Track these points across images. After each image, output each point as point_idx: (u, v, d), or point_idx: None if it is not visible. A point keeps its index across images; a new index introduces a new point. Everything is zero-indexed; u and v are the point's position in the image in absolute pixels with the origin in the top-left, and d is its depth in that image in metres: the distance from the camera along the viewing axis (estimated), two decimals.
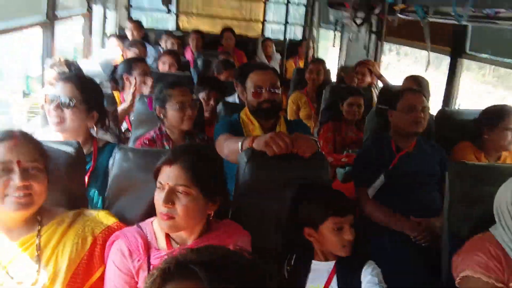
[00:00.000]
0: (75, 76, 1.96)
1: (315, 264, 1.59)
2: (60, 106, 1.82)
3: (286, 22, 5.46)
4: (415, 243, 2.14)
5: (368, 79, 4.19)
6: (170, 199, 1.32)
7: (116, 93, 2.88)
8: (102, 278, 1.38)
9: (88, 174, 1.83)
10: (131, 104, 2.76)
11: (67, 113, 1.83)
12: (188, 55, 5.30)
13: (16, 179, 1.27)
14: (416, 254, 2.09)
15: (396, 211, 2.27)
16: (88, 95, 1.89)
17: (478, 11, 2.60)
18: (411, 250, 2.12)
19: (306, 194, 1.64)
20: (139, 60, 3.01)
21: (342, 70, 4.57)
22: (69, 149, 1.51)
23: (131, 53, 3.89)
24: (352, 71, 4.28)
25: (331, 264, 1.57)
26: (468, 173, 1.80)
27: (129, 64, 2.93)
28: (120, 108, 2.69)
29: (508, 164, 2.46)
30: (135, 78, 2.84)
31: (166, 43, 5.05)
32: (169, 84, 2.29)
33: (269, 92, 2.13)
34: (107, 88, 2.92)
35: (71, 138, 1.82)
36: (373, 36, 4.73)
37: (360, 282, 1.50)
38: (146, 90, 2.85)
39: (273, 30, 7.37)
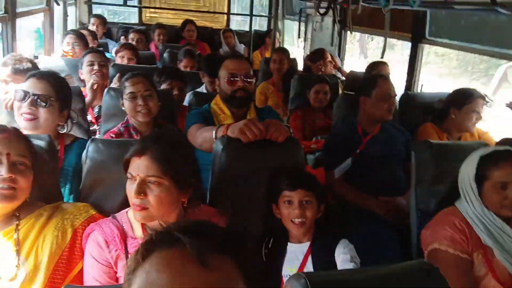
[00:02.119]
0: (48, 74, 1.91)
1: (290, 246, 1.61)
2: (34, 103, 1.79)
3: (251, 14, 5.46)
4: (384, 220, 2.24)
5: (329, 68, 4.27)
6: (141, 190, 1.31)
7: (83, 89, 2.84)
8: (82, 270, 1.38)
9: None
10: (93, 97, 2.77)
11: (42, 111, 1.81)
12: (153, 49, 5.22)
13: (2, 171, 1.28)
14: (386, 231, 2.18)
15: (365, 192, 2.36)
16: (61, 94, 1.88)
17: None
18: (381, 228, 2.20)
19: (278, 175, 1.67)
20: (86, 53, 2.98)
21: (308, 59, 4.63)
22: (41, 143, 1.49)
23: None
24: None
25: (306, 245, 1.60)
26: (433, 152, 1.88)
27: (80, 59, 2.97)
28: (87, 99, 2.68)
29: (470, 142, 2.59)
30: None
31: (128, 39, 4.93)
32: (126, 75, 2.28)
33: (243, 80, 2.15)
34: (71, 84, 2.87)
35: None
36: (337, 25, 4.81)
37: (334, 261, 1.54)
38: (95, 79, 2.84)
39: (239, 22, 7.37)
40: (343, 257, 1.52)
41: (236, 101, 2.18)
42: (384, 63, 3.64)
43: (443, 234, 1.58)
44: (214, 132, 1.83)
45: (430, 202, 1.84)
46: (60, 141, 1.89)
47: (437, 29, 3.37)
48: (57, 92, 1.85)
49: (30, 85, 1.82)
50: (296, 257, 1.58)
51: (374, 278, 0.85)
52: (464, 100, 2.60)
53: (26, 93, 1.79)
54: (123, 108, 2.24)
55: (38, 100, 1.80)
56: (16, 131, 1.38)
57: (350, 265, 1.49)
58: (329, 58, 4.32)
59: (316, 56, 4.36)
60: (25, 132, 1.78)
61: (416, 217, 1.89)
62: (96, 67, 2.86)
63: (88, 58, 2.91)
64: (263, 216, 1.68)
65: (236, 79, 2.15)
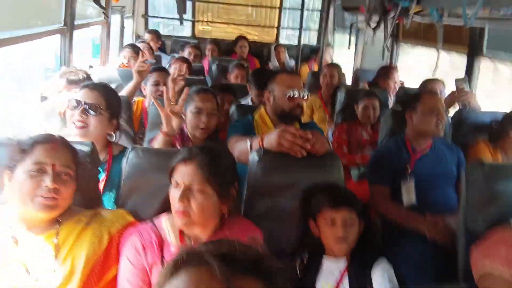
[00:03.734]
0: (100, 85, 2.02)
1: (326, 261, 1.57)
2: (85, 112, 1.89)
3: (301, 27, 5.47)
4: (430, 241, 2.11)
5: (391, 83, 4.12)
6: (185, 196, 1.35)
7: (139, 100, 2.92)
8: (116, 276, 1.40)
9: (104, 181, 1.86)
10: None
11: (92, 119, 1.90)
12: (205, 64, 5.34)
13: (47, 181, 1.31)
14: (432, 252, 2.06)
15: (412, 211, 2.24)
16: (111, 104, 1.96)
17: (495, 10, 2.56)
18: (426, 249, 2.08)
19: (314, 190, 1.63)
20: (154, 70, 2.99)
21: (356, 73, 4.53)
22: (84, 149, 1.55)
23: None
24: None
25: (343, 261, 1.56)
26: (485, 172, 1.77)
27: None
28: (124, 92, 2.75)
29: None
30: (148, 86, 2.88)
31: (183, 53, 5.08)
32: (196, 89, 2.30)
33: (301, 97, 2.15)
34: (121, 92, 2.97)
35: None
36: (390, 39, 4.69)
37: (371, 279, 1.49)
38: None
39: (289, 36, 7.39)
40: (381, 279, 1.46)
41: (293, 117, 2.17)
42: (438, 80, 3.49)
43: (496, 252, 1.45)
44: (248, 143, 1.81)
45: (479, 223, 1.72)
46: (109, 151, 1.96)
47: (496, 43, 3.19)
48: (107, 102, 1.94)
49: (82, 95, 1.92)
50: (332, 272, 1.54)
51: None
52: None
53: (78, 102, 1.89)
54: (183, 117, 2.26)
55: (89, 109, 1.89)
56: (62, 140, 1.42)
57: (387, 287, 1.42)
58: (396, 78, 4.17)
59: (383, 72, 4.19)
60: (75, 138, 1.87)
61: (464, 238, 1.78)
62: (161, 88, 2.81)
63: (155, 76, 2.89)
64: (298, 231, 1.64)
65: (295, 96, 2.14)
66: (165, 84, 2.81)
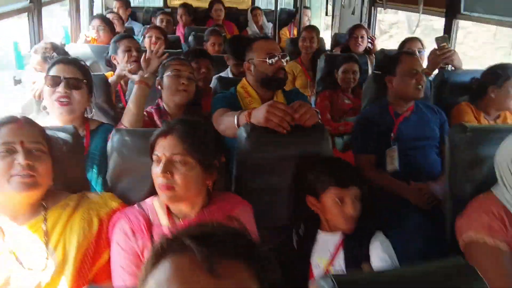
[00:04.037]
0: (74, 59, 1.97)
1: (321, 235, 1.55)
2: (68, 86, 1.83)
3: None
4: (417, 208, 2.15)
5: (364, 42, 4.10)
6: (168, 169, 1.34)
7: (109, 74, 2.83)
8: (109, 261, 1.39)
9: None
10: (119, 77, 2.72)
11: (75, 94, 1.85)
12: (179, 32, 5.20)
13: (20, 159, 1.28)
14: (419, 219, 2.10)
15: (397, 177, 2.27)
16: (87, 77, 1.93)
17: None
18: (413, 215, 2.12)
19: (308, 164, 1.60)
20: (123, 37, 2.93)
21: (335, 37, 4.49)
22: (66, 135, 1.50)
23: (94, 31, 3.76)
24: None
25: (338, 235, 1.53)
26: (469, 135, 1.79)
27: (114, 44, 2.87)
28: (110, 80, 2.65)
29: (508, 125, 2.46)
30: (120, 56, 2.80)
31: (156, 21, 4.93)
32: (170, 58, 2.29)
33: (281, 60, 2.11)
34: (98, 71, 2.88)
35: (70, 121, 1.84)
36: (367, 2, 4.64)
37: (368, 254, 1.48)
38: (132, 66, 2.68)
39: (264, 1, 7.24)
40: (379, 256, 1.45)
41: (278, 82, 2.14)
42: (416, 39, 3.47)
43: (479, 221, 1.49)
44: (236, 118, 1.78)
45: (466, 188, 1.75)
46: (86, 127, 1.93)
47: (472, 3, 3.18)
48: (84, 75, 1.91)
49: (58, 70, 1.86)
50: (327, 248, 1.52)
51: (406, 280, 0.80)
52: (502, 77, 2.45)
53: (58, 78, 1.83)
54: (158, 87, 2.24)
55: (71, 83, 1.84)
56: (26, 119, 1.38)
57: (386, 264, 1.42)
58: (365, 35, 4.14)
59: (352, 31, 4.17)
60: (59, 119, 1.82)
61: (450, 204, 1.81)
62: (134, 53, 2.77)
63: (125, 43, 2.82)
64: (292, 205, 1.64)
65: (275, 59, 2.10)
66: (136, 50, 2.80)
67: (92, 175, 1.83)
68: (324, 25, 6.99)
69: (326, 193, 1.52)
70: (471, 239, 1.49)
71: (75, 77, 1.86)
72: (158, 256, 0.68)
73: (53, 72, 1.86)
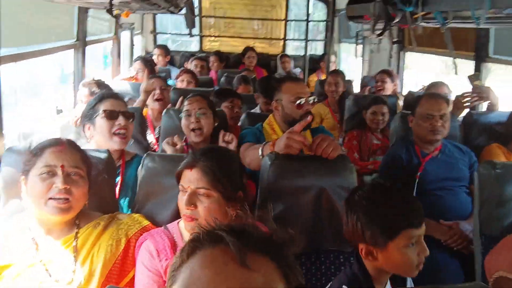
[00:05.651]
0: (118, 94, 2.11)
1: None
2: (126, 119, 1.96)
3: (306, 38, 5.56)
4: (446, 247, 2.10)
5: (389, 86, 4.15)
6: (192, 201, 1.38)
7: (145, 109, 2.99)
8: (133, 279, 1.43)
9: (118, 186, 1.90)
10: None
11: (130, 126, 1.98)
12: (212, 75, 5.41)
13: (58, 182, 1.35)
14: (449, 258, 2.04)
15: (426, 217, 2.22)
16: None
17: (499, 12, 2.57)
18: (443, 255, 2.07)
19: (360, 202, 1.33)
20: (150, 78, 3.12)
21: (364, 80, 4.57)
22: (100, 156, 1.59)
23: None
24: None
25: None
26: (498, 172, 1.76)
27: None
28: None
29: None
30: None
31: (190, 65, 5.16)
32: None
33: (308, 103, 2.15)
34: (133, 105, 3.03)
35: (118, 152, 1.97)
36: (395, 46, 4.72)
37: None
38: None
39: (295, 47, 7.46)
40: None
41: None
42: (443, 84, 3.48)
43: (509, 259, 1.45)
44: (260, 149, 1.81)
45: (495, 227, 1.72)
46: (122, 157, 2.01)
47: (502, 46, 3.19)
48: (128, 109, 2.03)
49: (111, 104, 1.96)
50: None
51: None
52: None
53: (116, 112, 1.94)
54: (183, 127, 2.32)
55: (128, 117, 1.97)
56: (70, 142, 1.46)
57: None
58: (387, 80, 4.19)
59: (376, 76, 4.25)
60: (112, 150, 1.91)
61: (480, 243, 1.76)
62: (157, 91, 3.01)
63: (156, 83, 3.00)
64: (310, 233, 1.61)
65: (303, 102, 2.13)
66: (161, 88, 3.03)
67: (124, 202, 1.90)
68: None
69: (396, 239, 1.25)
70: (499, 275, 1.44)
71: (126, 111, 1.98)
72: (193, 247, 0.71)
73: (106, 106, 1.95)
